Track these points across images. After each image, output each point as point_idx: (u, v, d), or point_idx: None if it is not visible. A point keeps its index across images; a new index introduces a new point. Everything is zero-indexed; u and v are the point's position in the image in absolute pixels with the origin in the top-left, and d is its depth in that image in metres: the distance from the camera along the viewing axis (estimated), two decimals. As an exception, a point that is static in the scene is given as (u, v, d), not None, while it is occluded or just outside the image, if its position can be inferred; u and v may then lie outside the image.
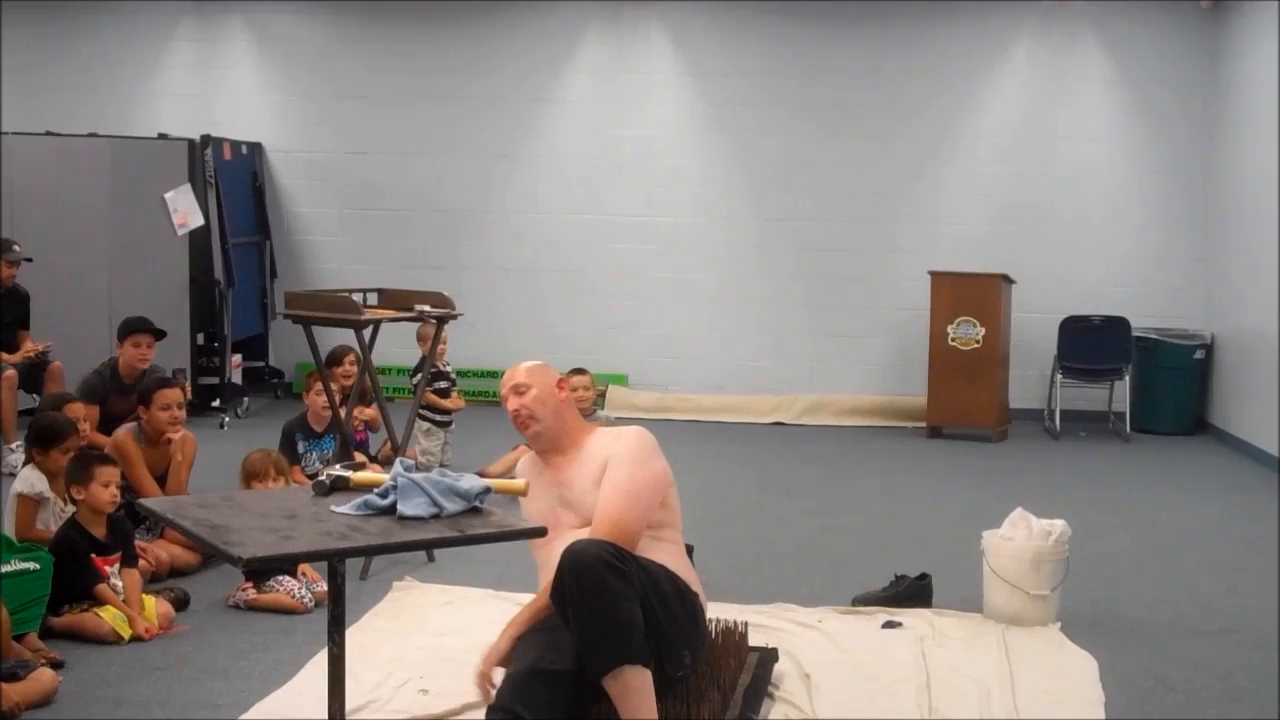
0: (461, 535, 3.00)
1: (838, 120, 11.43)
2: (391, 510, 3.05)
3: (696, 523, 4.59)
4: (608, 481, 4.24)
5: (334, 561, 2.90)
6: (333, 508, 3.11)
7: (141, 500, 3.36)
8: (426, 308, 6.51)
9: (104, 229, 10.59)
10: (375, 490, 3.12)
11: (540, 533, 3.17)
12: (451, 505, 3.08)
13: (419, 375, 8.23)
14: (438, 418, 8.71)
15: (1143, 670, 5.19)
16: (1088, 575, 6.14)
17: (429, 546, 3.06)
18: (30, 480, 5.99)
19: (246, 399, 11.15)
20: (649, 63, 11.67)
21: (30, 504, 5.94)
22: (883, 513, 7.99)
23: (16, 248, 9.02)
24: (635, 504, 4.20)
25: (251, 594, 5.80)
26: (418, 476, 3.13)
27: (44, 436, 6.03)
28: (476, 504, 3.14)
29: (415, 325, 6.92)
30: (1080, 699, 4.83)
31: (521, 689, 3.77)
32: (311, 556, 2.92)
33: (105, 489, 5.65)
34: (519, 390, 4.45)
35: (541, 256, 11.84)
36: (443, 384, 8.74)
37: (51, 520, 5.90)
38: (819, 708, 4.66)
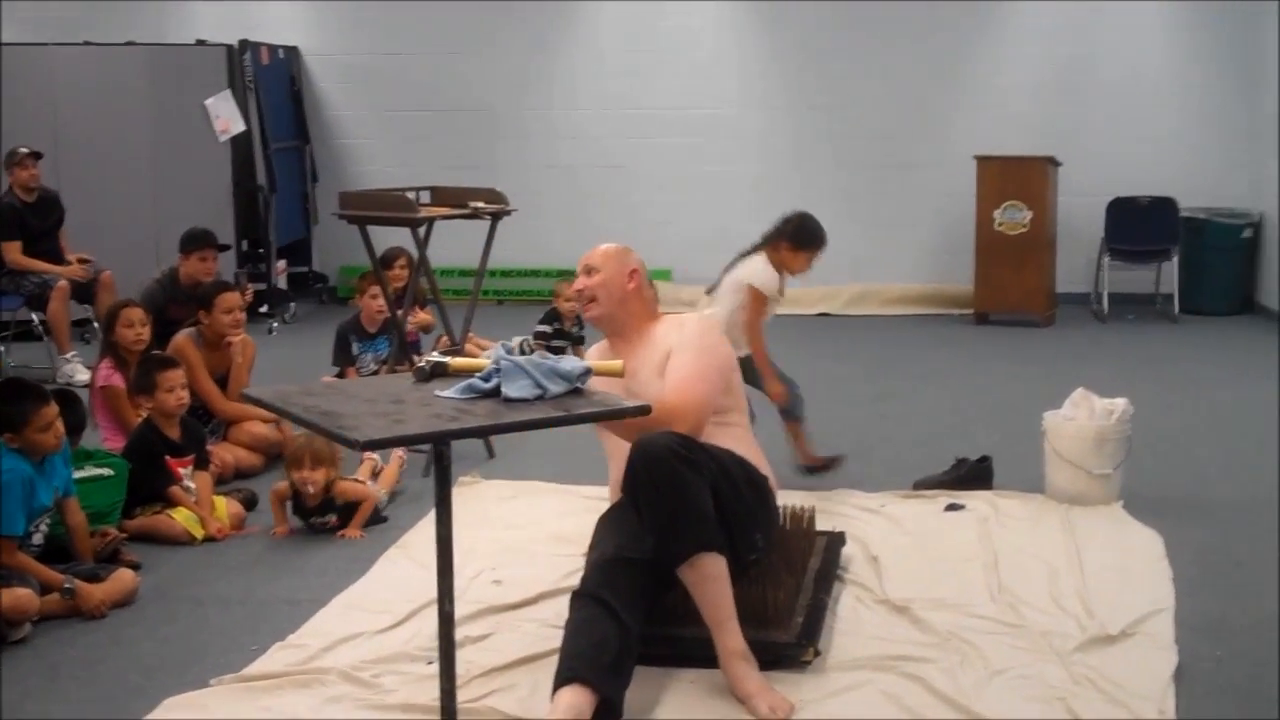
0: (568, 415, 3.03)
1: (878, 5, 11.28)
2: (496, 393, 3.07)
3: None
4: (672, 368, 4.26)
5: (440, 445, 2.93)
6: (437, 392, 3.13)
7: (249, 390, 3.38)
8: (480, 204, 6.50)
9: (146, 137, 10.62)
10: (478, 374, 3.15)
11: (645, 410, 3.18)
12: (554, 386, 3.11)
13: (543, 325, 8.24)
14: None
15: (1208, 546, 5.21)
16: (1145, 455, 6.14)
17: (536, 427, 3.07)
18: None
19: (293, 304, 11.20)
20: (686, -48, 11.54)
21: None
22: (936, 399, 8.01)
23: (22, 149, 9.00)
24: (700, 389, 4.22)
25: None
26: (520, 359, 3.15)
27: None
28: (578, 385, 3.16)
29: (479, 228, 6.75)
30: (1148, 574, 4.86)
31: (605, 574, 3.81)
32: (424, 439, 2.94)
33: (170, 394, 5.72)
34: (588, 271, 4.47)
35: (582, 153, 11.79)
36: (559, 343, 8.47)
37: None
38: (889, 589, 4.70)
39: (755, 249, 6.00)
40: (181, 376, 5.83)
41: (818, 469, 6.04)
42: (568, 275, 7.03)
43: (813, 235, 5.98)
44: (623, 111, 11.72)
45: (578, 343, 8.39)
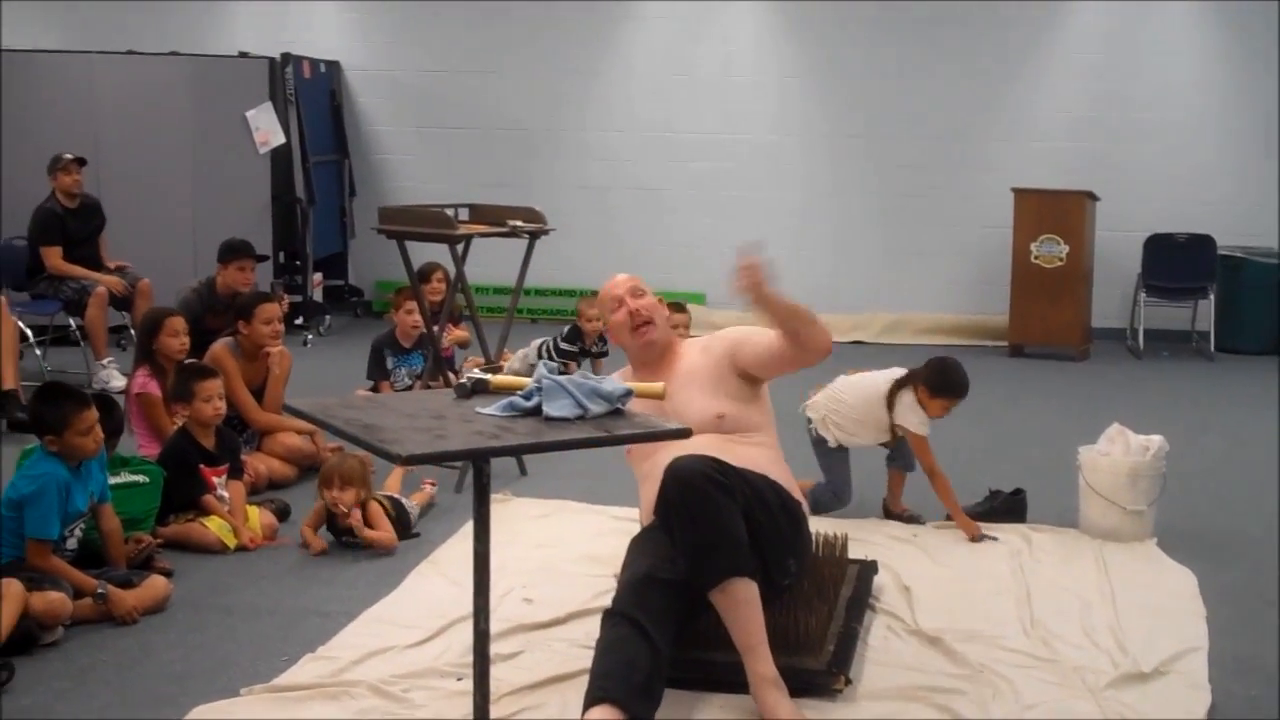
0: (609, 435, 3.03)
1: (918, 36, 11.29)
2: (537, 412, 3.07)
3: (781, 441, 4.61)
4: (749, 332, 4.42)
5: (479, 461, 2.93)
6: (477, 409, 3.14)
7: (290, 401, 3.39)
8: (519, 223, 6.52)
9: (186, 147, 10.67)
10: (519, 392, 3.15)
11: (685, 433, 3.18)
12: (595, 407, 3.11)
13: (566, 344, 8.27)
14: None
15: (1241, 585, 5.18)
16: (1179, 491, 6.10)
17: (577, 446, 3.07)
18: None
19: (328, 317, 11.25)
20: (727, -22, 11.58)
21: None
22: (969, 430, 7.94)
23: (67, 155, 9.06)
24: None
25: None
26: (562, 379, 3.15)
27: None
28: (619, 406, 3.16)
29: (514, 246, 6.71)
30: (1182, 612, 4.83)
31: (637, 595, 3.80)
32: (465, 455, 2.95)
33: (208, 404, 5.74)
34: (636, 293, 4.46)
35: (618, 174, 11.82)
36: (578, 357, 8.41)
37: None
38: (921, 619, 4.68)
39: (897, 384, 5.94)
40: (219, 386, 5.85)
41: (902, 518, 6.02)
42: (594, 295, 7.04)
43: (954, 386, 5.91)
44: (657, 134, 11.75)
45: (600, 357, 8.39)
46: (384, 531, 5.50)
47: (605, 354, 8.35)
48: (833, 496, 5.96)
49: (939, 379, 5.86)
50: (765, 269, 4.01)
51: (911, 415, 5.81)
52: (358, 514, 5.48)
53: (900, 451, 6.01)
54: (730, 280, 4.00)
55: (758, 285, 4.03)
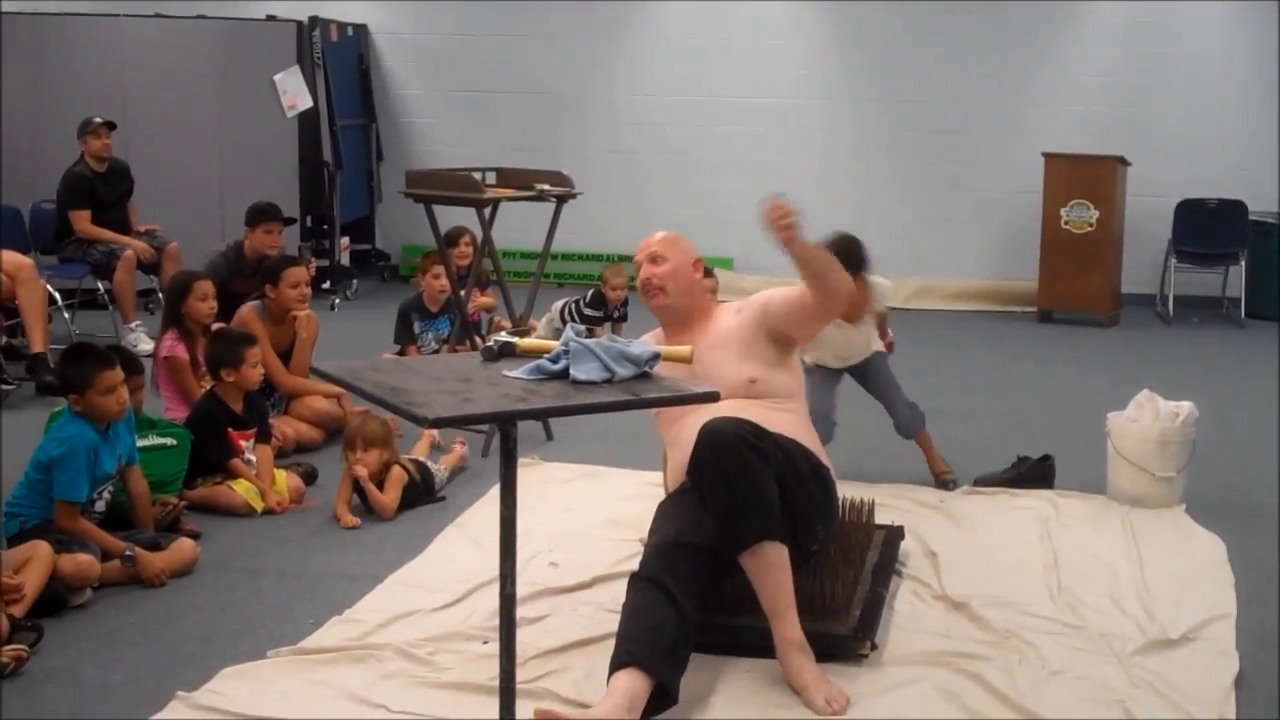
0: (636, 399, 3.01)
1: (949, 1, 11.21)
2: (564, 375, 3.06)
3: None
4: (770, 293, 4.46)
5: (506, 425, 2.92)
6: (504, 372, 3.13)
7: (317, 366, 3.39)
8: (546, 187, 6.49)
9: (214, 111, 10.69)
10: (546, 355, 3.14)
11: (713, 397, 3.17)
12: (623, 370, 3.09)
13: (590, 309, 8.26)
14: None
15: (1270, 552, 5.14)
16: (1209, 458, 6.07)
17: (604, 410, 3.05)
18: None
19: (355, 281, 11.26)
20: (756, -60, 11.50)
21: None
22: (998, 395, 7.95)
23: (96, 120, 9.08)
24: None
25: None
26: (589, 342, 3.14)
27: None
28: (646, 369, 3.15)
29: (542, 210, 6.70)
30: (1210, 579, 4.80)
31: (664, 559, 3.80)
32: (492, 418, 2.95)
33: (254, 369, 5.78)
34: (654, 260, 4.44)
35: (646, 138, 11.78)
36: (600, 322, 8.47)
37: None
38: (947, 585, 4.67)
39: None
40: (259, 353, 5.88)
41: (946, 481, 5.97)
42: (626, 260, 7.01)
43: (856, 259, 5.63)
44: (687, 98, 11.69)
45: (620, 321, 8.40)
46: (390, 497, 5.50)
47: (625, 318, 8.37)
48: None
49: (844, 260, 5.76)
50: (793, 211, 4.04)
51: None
52: (363, 470, 5.47)
53: (899, 416, 5.96)
54: (760, 218, 4.05)
55: (786, 222, 4.04)
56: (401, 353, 7.52)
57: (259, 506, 5.49)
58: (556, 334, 4.19)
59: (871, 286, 5.84)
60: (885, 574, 4.58)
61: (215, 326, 6.35)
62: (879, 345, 6.05)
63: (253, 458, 5.67)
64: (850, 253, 5.46)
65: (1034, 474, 5.89)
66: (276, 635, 4.23)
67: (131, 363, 5.24)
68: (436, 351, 7.47)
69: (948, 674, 3.95)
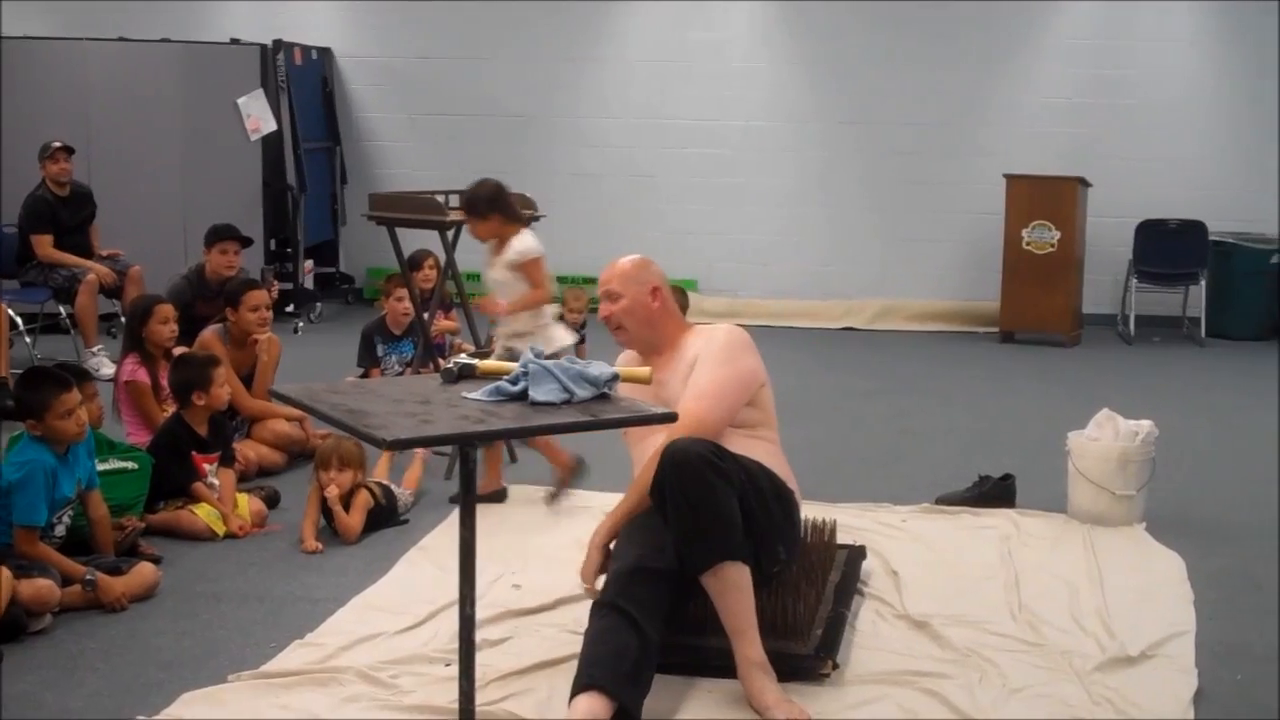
0: (595, 420, 3.03)
1: (910, 22, 11.27)
2: (523, 396, 3.07)
3: (786, 441, 4.61)
4: (691, 381, 4.25)
5: (465, 447, 2.93)
6: (464, 394, 3.14)
7: (276, 387, 3.40)
8: (509, 209, 6.48)
9: (177, 134, 10.68)
10: (505, 377, 3.15)
11: (671, 418, 3.18)
12: (582, 391, 3.11)
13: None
14: None
15: (1229, 570, 5.19)
16: (1169, 477, 6.13)
17: (563, 430, 3.07)
18: None
19: (319, 304, 11.24)
20: (718, -37, 11.55)
21: None
22: (960, 415, 7.99)
23: (55, 144, 9.06)
24: (717, 404, 4.21)
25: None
26: (548, 363, 3.16)
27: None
28: (605, 390, 3.17)
29: None
30: (1169, 596, 4.84)
31: (625, 585, 3.81)
32: (451, 439, 2.97)
33: (222, 389, 5.78)
34: (609, 297, 4.44)
35: (610, 161, 11.81)
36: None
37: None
38: (909, 604, 4.69)
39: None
40: (225, 372, 5.88)
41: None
42: (590, 283, 7.01)
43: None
44: (650, 121, 11.74)
45: (578, 343, 8.39)
46: (355, 520, 5.48)
47: (583, 340, 8.39)
48: None
49: (486, 205, 5.83)
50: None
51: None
52: (334, 491, 5.46)
53: None
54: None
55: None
56: (365, 375, 7.49)
57: (221, 530, 5.46)
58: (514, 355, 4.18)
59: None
60: (847, 593, 4.60)
61: (177, 351, 6.34)
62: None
63: (215, 481, 5.65)
64: (492, 199, 5.72)
65: (995, 493, 5.92)
66: (238, 659, 4.21)
67: (81, 374, 5.23)
68: (400, 374, 7.46)
69: (909, 693, 3.97)
